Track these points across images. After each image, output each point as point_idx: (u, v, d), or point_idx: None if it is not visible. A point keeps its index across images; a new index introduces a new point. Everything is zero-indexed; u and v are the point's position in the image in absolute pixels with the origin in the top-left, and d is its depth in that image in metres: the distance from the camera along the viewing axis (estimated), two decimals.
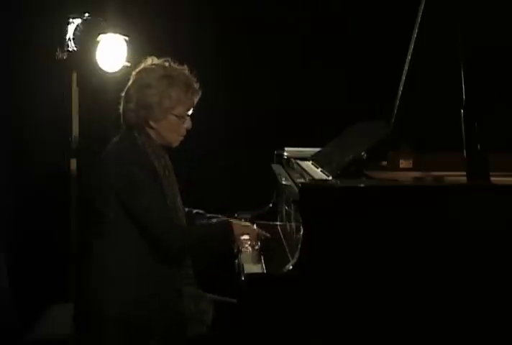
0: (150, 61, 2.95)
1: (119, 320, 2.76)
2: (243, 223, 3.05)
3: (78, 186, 4.11)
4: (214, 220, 3.10)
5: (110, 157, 2.85)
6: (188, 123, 2.93)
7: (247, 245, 2.93)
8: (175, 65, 2.94)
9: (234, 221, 2.98)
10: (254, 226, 3.07)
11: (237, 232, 2.91)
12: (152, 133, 2.90)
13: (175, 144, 2.95)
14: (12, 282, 3.78)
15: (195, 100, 2.94)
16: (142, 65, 2.95)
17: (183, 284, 2.87)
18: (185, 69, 2.93)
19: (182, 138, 2.95)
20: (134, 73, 2.94)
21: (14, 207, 4.18)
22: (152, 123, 2.87)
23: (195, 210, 3.22)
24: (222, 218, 3.15)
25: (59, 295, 3.98)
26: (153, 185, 2.79)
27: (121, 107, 2.92)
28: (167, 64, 2.93)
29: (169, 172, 2.93)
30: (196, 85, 2.92)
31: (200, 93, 2.94)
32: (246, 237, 2.94)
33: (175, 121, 2.90)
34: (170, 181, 2.91)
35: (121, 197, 2.78)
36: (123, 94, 2.92)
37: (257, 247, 2.93)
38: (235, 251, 2.95)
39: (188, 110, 2.93)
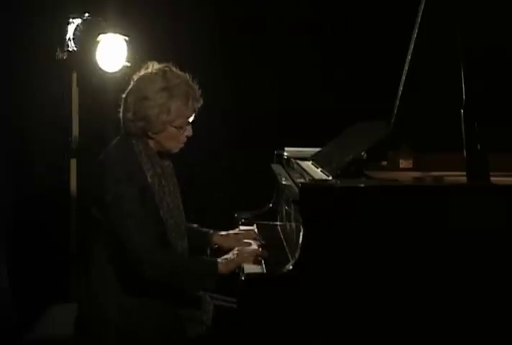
0: (151, 67, 2.86)
1: (120, 323, 2.75)
2: (234, 252, 2.84)
3: (78, 186, 4.12)
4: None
5: (106, 165, 2.80)
6: (188, 131, 2.87)
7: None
8: (177, 71, 2.86)
9: (226, 257, 2.80)
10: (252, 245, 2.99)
11: (231, 268, 2.76)
12: (151, 141, 2.86)
13: (175, 151, 2.90)
14: (12, 282, 3.78)
15: (197, 107, 2.87)
16: (143, 71, 2.87)
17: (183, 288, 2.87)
18: (186, 76, 2.86)
19: (182, 145, 2.90)
20: (134, 78, 2.87)
21: (14, 207, 4.18)
22: (150, 134, 2.83)
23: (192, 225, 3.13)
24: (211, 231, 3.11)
25: (59, 295, 3.98)
26: (141, 206, 2.73)
27: (120, 112, 2.87)
28: (167, 69, 2.85)
29: (166, 180, 2.88)
30: (198, 93, 2.85)
31: (201, 100, 2.87)
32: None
33: (174, 132, 2.84)
34: (167, 190, 2.87)
35: (108, 212, 2.74)
36: (123, 96, 2.87)
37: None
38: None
39: (189, 119, 2.87)
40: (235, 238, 3.11)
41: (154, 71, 2.85)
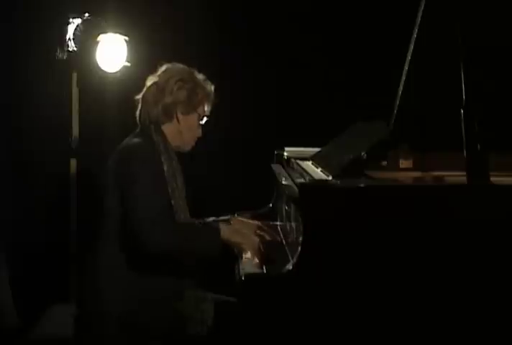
0: (165, 66, 3.00)
1: (120, 321, 2.76)
2: (242, 230, 2.96)
3: (78, 186, 4.12)
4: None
5: (126, 149, 2.87)
6: (199, 131, 3.02)
7: (247, 255, 2.86)
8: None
9: (231, 227, 2.92)
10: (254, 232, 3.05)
11: (233, 239, 2.85)
12: (172, 131, 2.95)
13: (188, 147, 3.02)
14: (12, 282, 3.78)
15: (210, 107, 3.03)
16: (161, 68, 2.99)
17: (185, 287, 2.88)
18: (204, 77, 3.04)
19: (193, 143, 3.02)
20: (156, 75, 2.98)
21: (14, 207, 4.18)
22: (180, 115, 2.94)
23: (207, 219, 3.21)
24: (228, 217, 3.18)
25: (59, 295, 3.98)
26: (156, 179, 2.80)
27: (140, 106, 2.96)
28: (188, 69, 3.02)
29: (176, 177, 2.94)
30: (212, 94, 3.05)
31: (211, 102, 3.04)
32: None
33: (195, 121, 2.98)
34: (177, 186, 2.92)
35: (120, 184, 2.79)
36: (141, 95, 2.95)
37: (256, 260, 2.84)
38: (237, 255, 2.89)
39: (205, 113, 3.01)
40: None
41: (176, 66, 3.02)
